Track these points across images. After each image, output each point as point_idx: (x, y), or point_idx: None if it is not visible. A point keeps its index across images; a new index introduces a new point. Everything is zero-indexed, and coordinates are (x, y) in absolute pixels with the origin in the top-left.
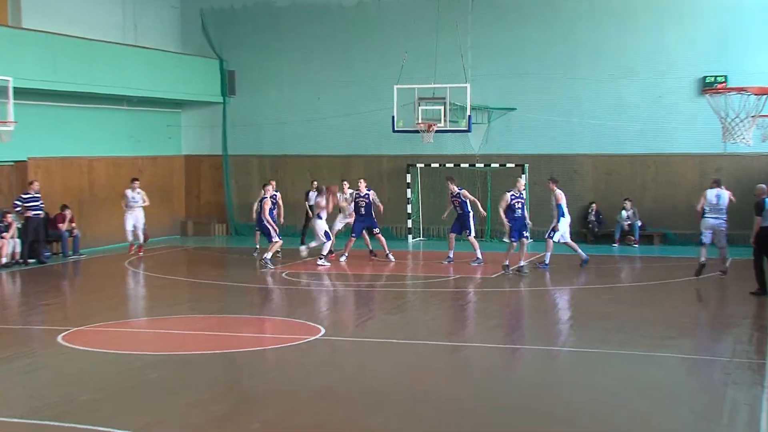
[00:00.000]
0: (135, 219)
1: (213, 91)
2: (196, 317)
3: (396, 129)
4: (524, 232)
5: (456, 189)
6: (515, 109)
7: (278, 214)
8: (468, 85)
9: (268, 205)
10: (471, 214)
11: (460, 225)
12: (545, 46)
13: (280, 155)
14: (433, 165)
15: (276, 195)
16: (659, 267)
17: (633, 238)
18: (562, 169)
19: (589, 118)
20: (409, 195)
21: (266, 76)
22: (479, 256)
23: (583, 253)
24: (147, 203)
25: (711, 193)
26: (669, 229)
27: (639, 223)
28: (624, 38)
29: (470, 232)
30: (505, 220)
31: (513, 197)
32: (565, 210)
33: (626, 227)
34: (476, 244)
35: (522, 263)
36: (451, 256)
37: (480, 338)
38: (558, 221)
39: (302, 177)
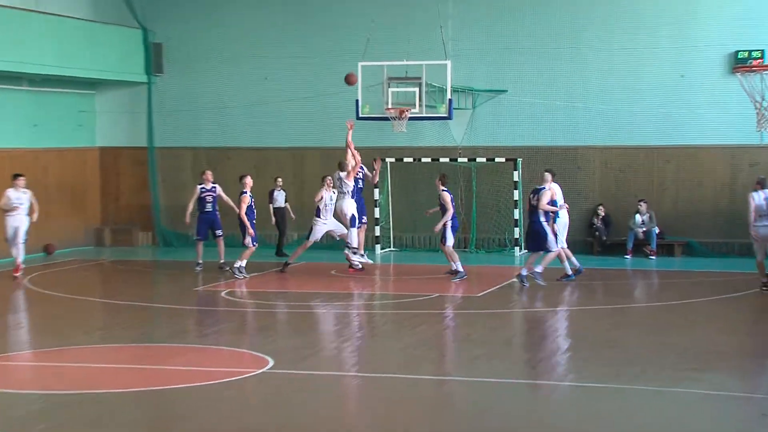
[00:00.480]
0: (16, 226)
1: (135, 68)
2: (114, 347)
3: (361, 116)
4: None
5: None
6: (506, 91)
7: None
8: (448, 62)
9: (246, 202)
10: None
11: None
12: (545, 14)
13: (219, 147)
14: (406, 159)
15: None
16: (681, 283)
17: (650, 248)
18: (563, 165)
19: (596, 102)
20: (376, 196)
21: (202, 51)
22: (460, 269)
23: (576, 262)
24: (36, 210)
25: (759, 197)
26: (693, 237)
27: (656, 230)
28: (641, 2)
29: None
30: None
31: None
32: (561, 208)
33: (641, 235)
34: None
35: (524, 272)
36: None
37: (463, 371)
38: (554, 221)
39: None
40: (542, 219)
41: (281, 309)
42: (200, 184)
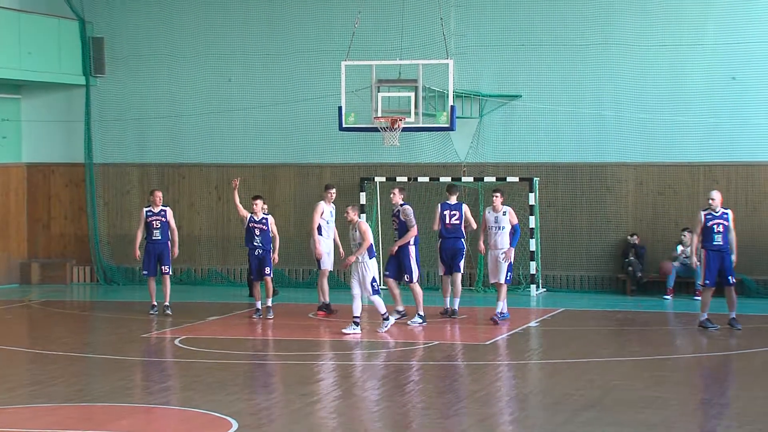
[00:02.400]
0: None
1: (70, 67)
2: (44, 407)
3: (345, 126)
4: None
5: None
6: (520, 96)
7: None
8: (450, 62)
9: (270, 228)
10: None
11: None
12: (567, 3)
13: (172, 163)
14: (399, 178)
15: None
16: (735, 331)
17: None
18: (589, 185)
19: (630, 110)
20: None
21: (152, 48)
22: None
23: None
24: None
25: None
26: (748, 274)
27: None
28: None
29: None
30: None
31: (709, 217)
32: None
33: (684, 270)
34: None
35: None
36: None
37: None
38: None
39: (206, 195)
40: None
41: (246, 360)
42: (147, 207)
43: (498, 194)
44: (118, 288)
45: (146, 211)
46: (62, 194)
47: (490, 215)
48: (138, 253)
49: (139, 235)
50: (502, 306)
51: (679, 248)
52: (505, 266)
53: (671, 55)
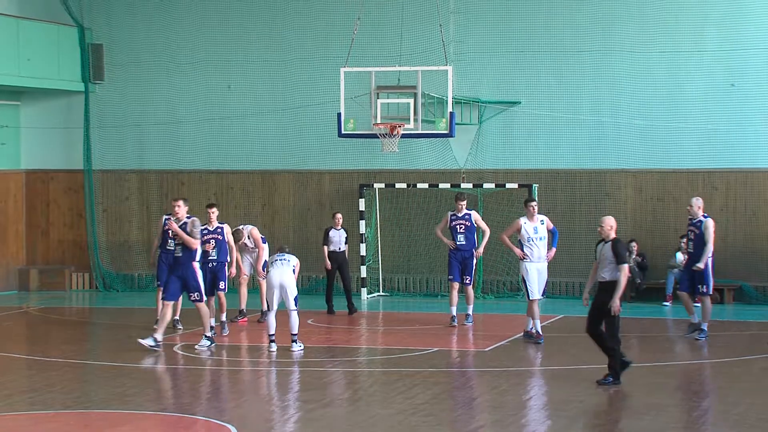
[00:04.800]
0: None
1: (69, 74)
2: (42, 414)
3: (344, 132)
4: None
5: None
6: (519, 103)
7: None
8: (449, 68)
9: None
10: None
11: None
12: (566, 9)
13: (171, 170)
14: (398, 185)
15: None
16: (733, 336)
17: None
18: (587, 191)
19: (629, 117)
20: (362, 230)
21: (151, 54)
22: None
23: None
24: None
25: None
26: (747, 281)
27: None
28: None
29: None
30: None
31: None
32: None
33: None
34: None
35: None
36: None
37: None
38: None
39: (205, 202)
40: None
41: (246, 366)
42: (167, 215)
43: (534, 204)
44: (117, 295)
45: (165, 219)
46: (61, 201)
47: (528, 227)
48: (154, 260)
49: (156, 243)
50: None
51: (678, 255)
52: (545, 279)
53: (670, 63)
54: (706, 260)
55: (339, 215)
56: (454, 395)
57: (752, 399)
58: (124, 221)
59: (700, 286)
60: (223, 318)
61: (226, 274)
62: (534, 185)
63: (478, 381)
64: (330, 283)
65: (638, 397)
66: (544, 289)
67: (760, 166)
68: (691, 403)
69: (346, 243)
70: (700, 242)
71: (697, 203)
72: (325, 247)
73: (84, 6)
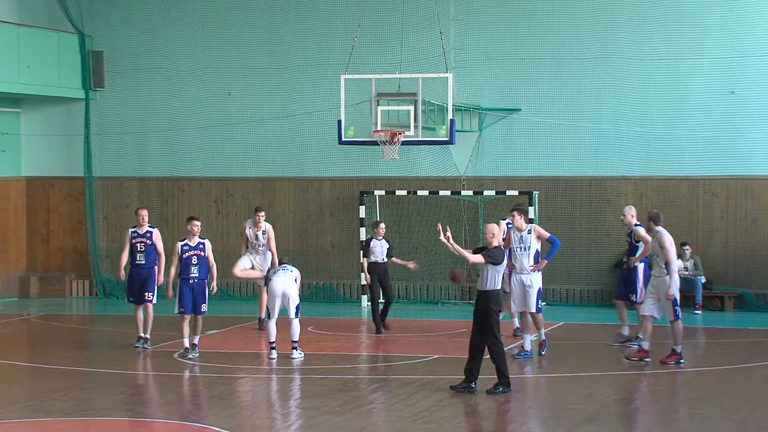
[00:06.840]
0: None
1: (70, 81)
2: (42, 422)
3: (344, 139)
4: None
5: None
6: (520, 110)
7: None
8: (450, 75)
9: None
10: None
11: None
12: (567, 16)
13: (172, 177)
14: (398, 192)
15: (151, 233)
16: (734, 344)
17: (694, 301)
18: (588, 198)
19: (629, 124)
20: (362, 236)
21: (152, 61)
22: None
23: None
24: None
25: None
26: (747, 288)
27: (703, 279)
28: (684, 2)
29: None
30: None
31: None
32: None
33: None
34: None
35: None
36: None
37: None
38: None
39: (205, 209)
40: None
41: (245, 374)
42: (133, 227)
43: (514, 212)
44: (117, 302)
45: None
46: (61, 208)
47: (514, 235)
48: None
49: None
50: (541, 334)
51: (679, 263)
52: (534, 292)
53: (670, 69)
54: (636, 263)
55: (382, 225)
56: (455, 403)
57: (753, 406)
58: (125, 228)
59: (631, 294)
60: (196, 341)
61: (206, 292)
62: (534, 192)
63: (479, 388)
64: (374, 297)
65: (639, 404)
66: (538, 301)
67: (761, 174)
68: (692, 410)
69: (389, 254)
70: (634, 250)
71: (630, 212)
72: (365, 259)
73: (84, 13)
